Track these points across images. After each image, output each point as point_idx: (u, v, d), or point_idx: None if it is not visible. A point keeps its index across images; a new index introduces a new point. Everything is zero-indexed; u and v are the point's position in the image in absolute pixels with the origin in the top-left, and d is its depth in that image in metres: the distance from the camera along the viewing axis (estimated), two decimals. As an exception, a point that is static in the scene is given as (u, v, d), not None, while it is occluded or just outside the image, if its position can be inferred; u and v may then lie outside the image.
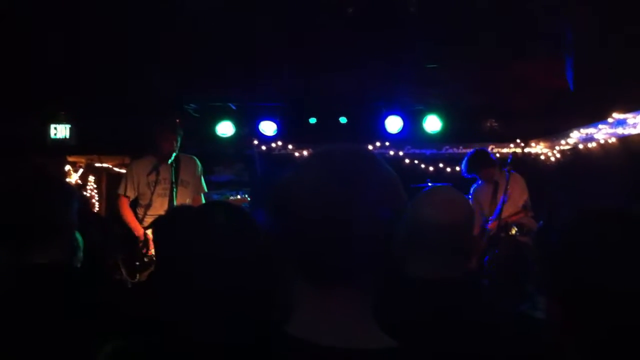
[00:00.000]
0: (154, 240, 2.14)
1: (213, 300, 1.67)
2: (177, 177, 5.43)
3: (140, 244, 5.29)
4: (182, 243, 1.79)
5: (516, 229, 5.82)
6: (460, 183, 6.25)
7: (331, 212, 1.09)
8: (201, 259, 1.72)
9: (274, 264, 1.66)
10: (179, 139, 5.45)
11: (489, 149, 8.42)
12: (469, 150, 8.48)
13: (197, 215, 1.90)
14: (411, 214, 1.97)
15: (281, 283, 1.29)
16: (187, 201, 5.47)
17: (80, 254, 2.85)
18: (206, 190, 5.78)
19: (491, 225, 5.91)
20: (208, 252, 1.72)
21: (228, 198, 6.02)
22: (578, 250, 1.33)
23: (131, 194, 5.50)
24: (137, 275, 5.22)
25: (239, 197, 6.01)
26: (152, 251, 5.27)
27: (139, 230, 5.35)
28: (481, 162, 6.26)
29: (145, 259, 5.25)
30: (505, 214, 5.89)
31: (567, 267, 1.34)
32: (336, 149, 1.20)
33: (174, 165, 5.42)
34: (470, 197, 6.45)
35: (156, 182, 5.41)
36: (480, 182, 6.40)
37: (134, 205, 5.56)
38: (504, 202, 5.83)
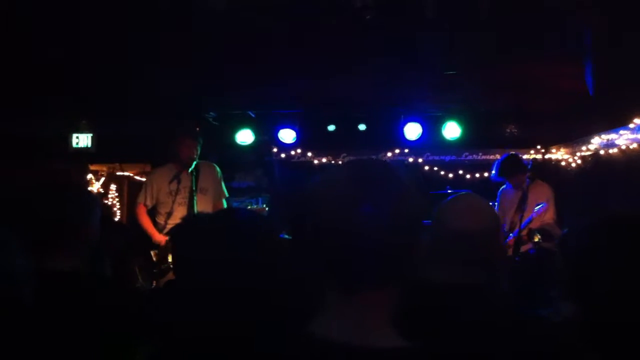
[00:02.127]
0: (171, 247, 2.17)
1: (227, 302, 1.69)
2: (196, 185, 5.46)
3: (158, 251, 5.33)
4: (194, 247, 1.81)
5: (539, 235, 5.77)
6: (480, 190, 6.21)
7: (348, 222, 1.13)
8: (213, 262, 1.75)
9: (296, 269, 1.69)
10: (199, 147, 5.49)
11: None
12: (488, 157, 8.50)
13: (209, 220, 1.93)
14: (435, 221, 1.97)
15: (303, 286, 1.33)
16: (209, 208, 5.50)
17: (106, 262, 2.88)
18: (227, 195, 5.82)
19: (510, 241, 5.80)
20: (220, 255, 1.74)
21: (247, 207, 6.06)
22: (602, 255, 1.33)
23: (149, 203, 5.56)
24: (154, 282, 5.25)
25: (256, 207, 6.04)
26: (170, 258, 5.30)
27: (156, 236, 5.40)
28: (512, 167, 6.17)
29: (163, 266, 5.28)
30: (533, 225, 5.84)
31: (591, 272, 1.34)
32: (354, 161, 1.27)
33: (194, 173, 5.45)
34: (497, 200, 6.43)
35: (177, 191, 5.44)
36: (509, 186, 6.33)
37: (154, 213, 5.61)
38: (528, 220, 5.76)
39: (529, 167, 6.05)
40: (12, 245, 1.73)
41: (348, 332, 1.13)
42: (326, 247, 1.16)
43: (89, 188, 8.63)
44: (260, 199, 8.19)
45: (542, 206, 5.79)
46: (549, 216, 5.97)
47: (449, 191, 7.07)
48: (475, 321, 1.74)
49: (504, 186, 6.44)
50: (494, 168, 6.35)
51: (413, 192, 1.21)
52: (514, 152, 6.46)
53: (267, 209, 6.02)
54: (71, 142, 7.87)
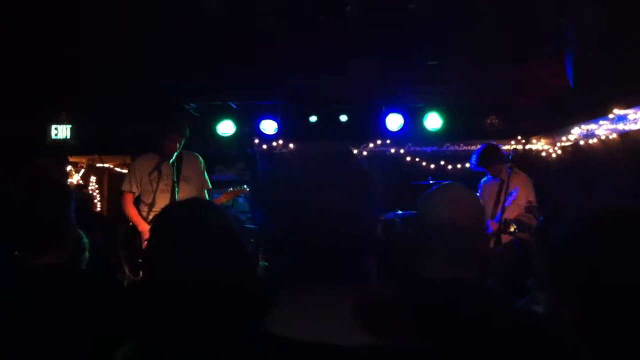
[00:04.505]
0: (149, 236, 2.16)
1: (209, 295, 1.69)
2: (178, 174, 5.44)
3: (143, 241, 5.30)
4: (162, 238, 1.81)
5: (515, 226, 5.81)
6: (461, 180, 6.23)
7: (306, 214, 1.10)
8: (191, 252, 1.74)
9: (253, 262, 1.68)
10: (183, 141, 5.47)
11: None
12: (470, 148, 8.53)
13: (186, 209, 1.92)
14: (420, 212, 1.96)
15: (261, 281, 1.31)
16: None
17: (87, 255, 2.85)
18: (210, 186, 5.79)
19: (492, 225, 5.85)
20: (198, 245, 1.74)
21: (227, 190, 6.00)
22: (586, 246, 1.34)
23: (135, 190, 5.52)
24: (140, 272, 5.22)
25: (236, 189, 5.98)
26: None
27: (142, 225, 5.36)
28: (491, 157, 6.20)
29: None
30: (508, 216, 5.86)
31: (574, 263, 1.35)
32: (312, 148, 1.23)
33: (175, 162, 5.43)
34: (478, 191, 6.45)
35: (159, 179, 5.42)
36: (489, 177, 6.36)
37: (138, 203, 5.57)
38: (505, 205, 5.79)
39: (509, 157, 6.09)
40: None
41: (311, 329, 1.09)
42: (288, 240, 1.12)
43: (69, 180, 8.55)
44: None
45: (514, 192, 5.81)
46: (531, 199, 6.00)
47: (431, 182, 7.10)
48: (462, 315, 1.74)
49: (484, 178, 6.47)
50: (473, 158, 6.38)
51: (372, 181, 1.18)
52: (492, 142, 6.48)
53: (247, 189, 5.95)
54: (50, 134, 7.78)
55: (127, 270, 5.20)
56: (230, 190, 5.95)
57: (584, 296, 1.31)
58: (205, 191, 5.72)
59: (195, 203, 2.02)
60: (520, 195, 5.87)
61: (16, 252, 2.11)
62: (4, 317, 1.97)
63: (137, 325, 1.81)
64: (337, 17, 4.99)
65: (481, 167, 6.31)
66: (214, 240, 1.75)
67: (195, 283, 1.71)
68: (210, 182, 5.83)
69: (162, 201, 5.39)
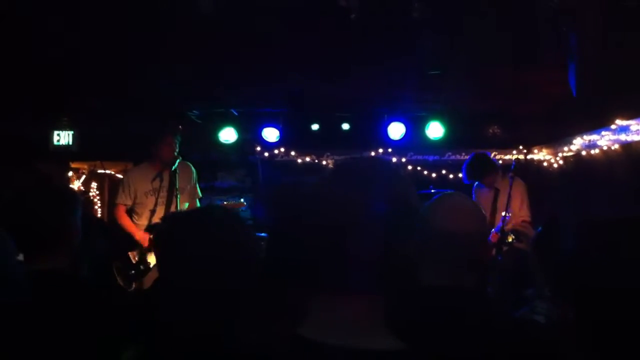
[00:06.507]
0: (155, 246, 2.15)
1: (213, 300, 1.68)
2: (178, 184, 5.40)
3: (139, 252, 5.26)
4: (175, 245, 1.80)
5: (513, 236, 5.80)
6: (462, 190, 6.22)
7: (335, 221, 1.12)
8: (192, 259, 1.74)
9: (276, 268, 1.68)
10: (177, 144, 5.43)
11: (492, 155, 8.44)
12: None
13: (189, 218, 1.92)
14: (423, 221, 1.96)
15: (292, 287, 1.32)
16: (185, 207, 5.45)
17: (87, 261, 2.85)
18: (201, 195, 5.78)
19: (493, 236, 5.81)
20: (199, 252, 1.73)
21: (224, 201, 6.00)
22: (588, 256, 1.34)
23: (128, 202, 5.48)
24: (133, 283, 5.18)
25: (233, 202, 5.97)
26: (150, 258, 5.24)
27: (138, 234, 5.32)
28: (482, 167, 6.09)
29: (142, 267, 5.20)
30: (507, 227, 5.84)
31: (577, 272, 1.35)
32: (354, 160, 1.27)
33: (177, 171, 5.39)
34: (472, 198, 6.37)
35: (160, 189, 5.38)
36: (481, 186, 6.30)
37: (131, 214, 5.52)
38: (506, 215, 5.75)
39: (512, 167, 6.04)
40: (9, 246, 1.72)
41: (342, 334, 1.11)
42: (320, 248, 1.14)
43: (70, 186, 8.55)
44: (236, 198, 8.13)
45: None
46: (524, 213, 5.97)
47: (433, 191, 7.09)
48: (462, 323, 1.73)
49: (475, 187, 6.39)
50: (463, 171, 6.23)
51: (411, 192, 1.20)
52: (479, 152, 6.39)
53: (245, 204, 5.94)
54: (52, 140, 7.78)
55: (120, 281, 5.15)
56: (225, 204, 5.90)
57: (582, 303, 1.31)
58: (197, 201, 5.69)
59: (206, 210, 2.02)
60: (514, 203, 5.84)
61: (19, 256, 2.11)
62: (5, 321, 1.96)
63: (139, 330, 1.81)
64: (340, 25, 5.00)
65: (473, 180, 6.20)
66: (223, 246, 1.75)
67: (201, 288, 1.70)
68: (213, 189, 5.82)
69: (160, 211, 5.36)
